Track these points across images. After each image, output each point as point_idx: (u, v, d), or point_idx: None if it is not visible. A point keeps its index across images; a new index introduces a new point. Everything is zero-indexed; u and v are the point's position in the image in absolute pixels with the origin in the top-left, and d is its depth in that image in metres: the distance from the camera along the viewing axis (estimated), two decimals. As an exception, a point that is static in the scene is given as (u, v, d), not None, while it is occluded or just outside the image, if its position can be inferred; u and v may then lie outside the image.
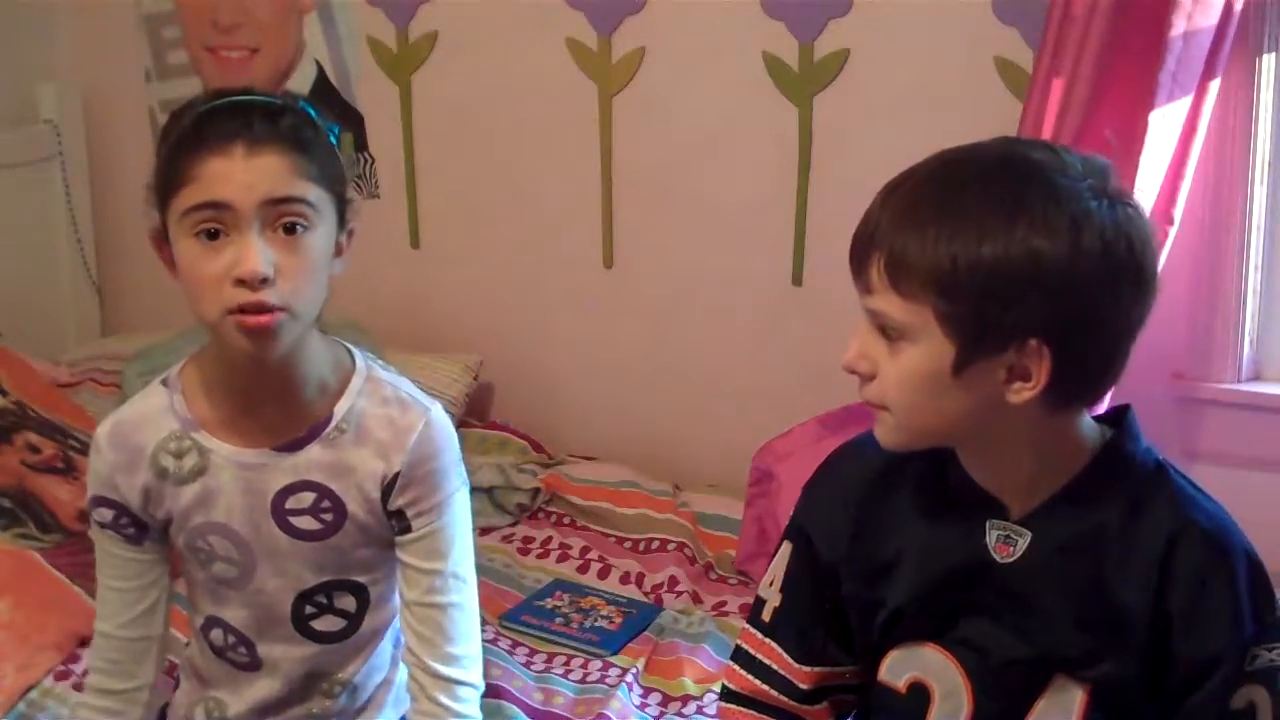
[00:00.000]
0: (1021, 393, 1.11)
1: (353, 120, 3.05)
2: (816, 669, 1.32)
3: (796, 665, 1.32)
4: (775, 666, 1.33)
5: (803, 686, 1.32)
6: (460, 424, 2.84)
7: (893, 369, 1.13)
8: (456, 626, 1.48)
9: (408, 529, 1.46)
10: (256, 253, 1.29)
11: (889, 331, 1.12)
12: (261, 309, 1.30)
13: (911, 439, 1.18)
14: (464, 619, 1.49)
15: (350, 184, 1.43)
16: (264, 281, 1.29)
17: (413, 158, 3.01)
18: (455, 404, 2.81)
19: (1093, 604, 1.17)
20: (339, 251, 1.41)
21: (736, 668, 1.36)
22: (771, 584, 1.34)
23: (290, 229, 1.32)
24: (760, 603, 1.35)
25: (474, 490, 2.53)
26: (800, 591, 1.32)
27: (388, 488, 1.44)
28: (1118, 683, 1.17)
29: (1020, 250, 1.06)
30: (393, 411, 1.45)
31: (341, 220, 1.40)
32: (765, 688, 1.33)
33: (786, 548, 1.34)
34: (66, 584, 2.07)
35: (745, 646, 1.36)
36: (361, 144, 3.06)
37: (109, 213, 3.36)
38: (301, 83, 3.07)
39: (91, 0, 3.29)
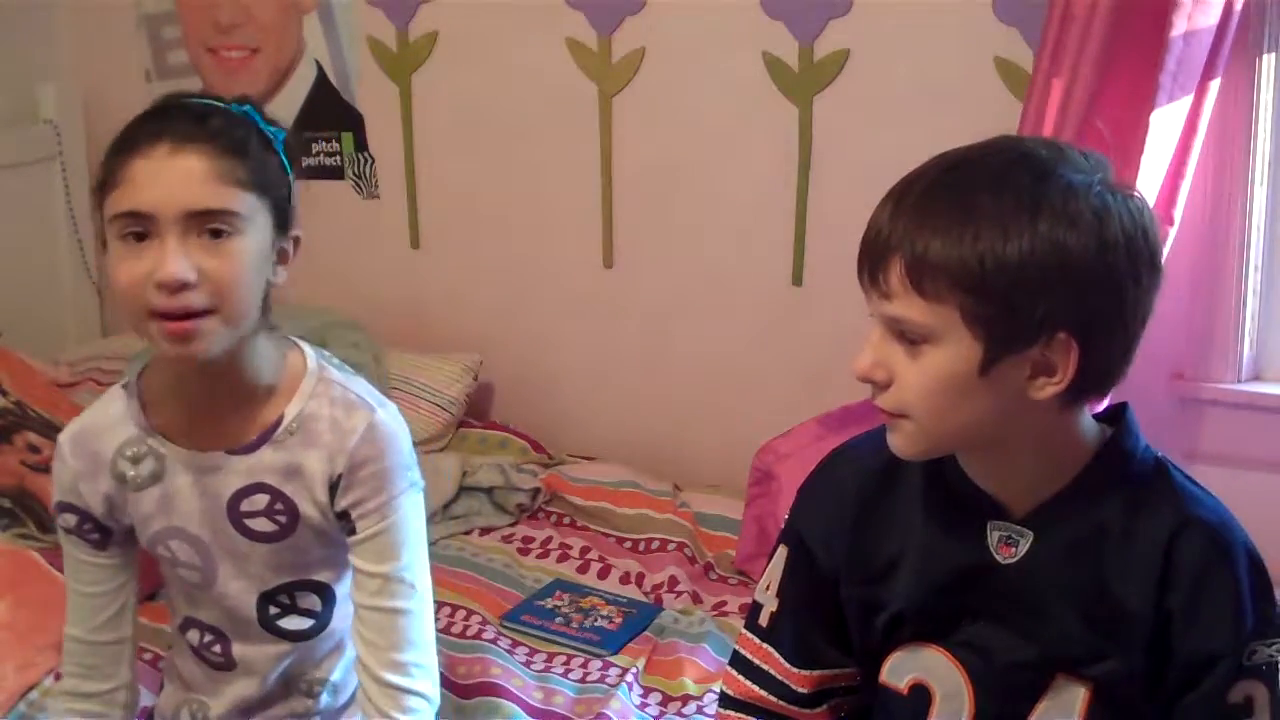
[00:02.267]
0: (1046, 388, 1.10)
1: (353, 120, 3.06)
2: (815, 673, 1.31)
3: (794, 670, 1.31)
4: (773, 671, 1.32)
5: (801, 691, 1.31)
6: (460, 424, 2.84)
7: (914, 374, 1.12)
8: (405, 633, 1.44)
9: (353, 530, 1.44)
10: (175, 258, 1.28)
11: (910, 336, 1.11)
12: (184, 313, 1.29)
13: (933, 445, 1.17)
14: (414, 625, 1.44)
15: (295, 194, 1.40)
16: (185, 286, 1.28)
17: (413, 158, 3.01)
18: (455, 404, 2.81)
19: (1095, 602, 1.16)
20: (283, 259, 1.38)
21: (734, 673, 1.36)
22: (768, 589, 1.34)
23: (215, 234, 1.30)
24: (757, 608, 1.35)
25: (474, 490, 2.58)
26: (797, 596, 1.31)
27: (332, 489, 1.43)
28: (1121, 681, 1.17)
29: (1046, 245, 1.06)
30: (338, 413, 1.42)
31: (282, 227, 1.37)
32: (763, 693, 1.33)
33: (782, 552, 1.33)
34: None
35: (743, 652, 1.35)
36: (361, 144, 3.07)
37: (109, 213, 3.36)
38: (301, 83, 3.08)
39: (91, 0, 3.29)
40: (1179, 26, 2.04)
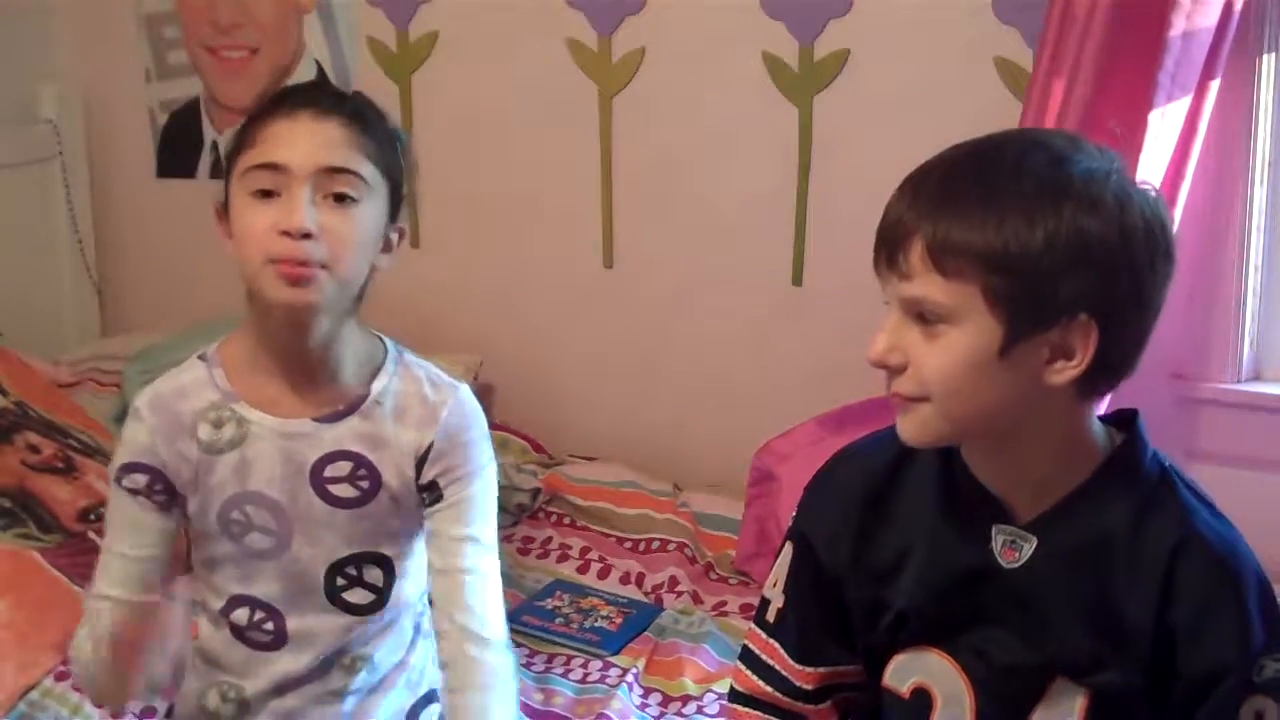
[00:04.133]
0: (1064, 372, 1.10)
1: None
2: (819, 669, 1.31)
3: (798, 666, 1.31)
4: (778, 667, 1.33)
5: (805, 687, 1.31)
6: (460, 424, 2.84)
7: (932, 356, 1.11)
8: (484, 592, 1.54)
9: (439, 498, 1.52)
10: (303, 208, 1.36)
11: (928, 317, 1.10)
12: (303, 260, 1.37)
13: (949, 431, 1.15)
14: (490, 585, 1.55)
15: (405, 191, 1.53)
16: (306, 236, 1.36)
17: (412, 157, 3.01)
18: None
19: (1097, 611, 1.16)
20: (387, 247, 1.48)
21: (743, 668, 1.36)
22: (775, 585, 1.34)
23: (340, 198, 1.39)
24: (765, 603, 1.35)
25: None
26: (802, 593, 1.31)
27: (421, 460, 1.51)
28: (1119, 689, 1.17)
29: (1071, 229, 1.06)
30: (425, 390, 1.52)
31: (393, 213, 1.48)
32: (768, 688, 1.33)
33: (788, 550, 1.33)
34: (66, 584, 2.07)
35: (751, 647, 1.36)
36: (361, 144, 3.06)
37: (109, 213, 3.36)
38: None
39: (91, 0, 3.29)
40: (1178, 26, 2.04)
